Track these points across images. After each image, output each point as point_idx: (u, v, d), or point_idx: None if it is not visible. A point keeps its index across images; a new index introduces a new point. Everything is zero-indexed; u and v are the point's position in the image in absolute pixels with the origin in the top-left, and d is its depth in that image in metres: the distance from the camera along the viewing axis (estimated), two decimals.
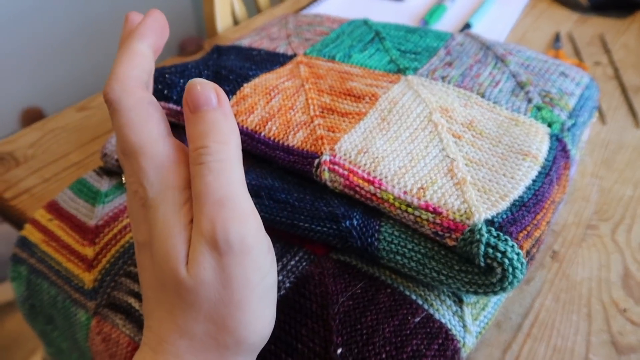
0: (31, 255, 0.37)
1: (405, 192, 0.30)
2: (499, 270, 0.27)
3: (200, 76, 0.42)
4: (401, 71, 0.42)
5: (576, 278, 0.37)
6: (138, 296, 0.33)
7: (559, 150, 0.35)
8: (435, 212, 0.29)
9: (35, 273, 0.37)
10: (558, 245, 0.40)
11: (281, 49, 0.49)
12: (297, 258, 0.33)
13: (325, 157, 0.33)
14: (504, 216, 0.29)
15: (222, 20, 0.81)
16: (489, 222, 0.28)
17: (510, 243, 0.27)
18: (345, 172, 0.32)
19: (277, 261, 0.33)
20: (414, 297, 0.30)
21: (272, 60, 0.46)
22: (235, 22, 0.85)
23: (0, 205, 0.45)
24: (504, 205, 0.29)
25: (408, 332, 0.28)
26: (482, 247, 0.27)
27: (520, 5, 0.79)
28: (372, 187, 0.31)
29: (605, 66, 0.63)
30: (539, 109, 0.38)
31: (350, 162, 0.33)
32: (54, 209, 0.39)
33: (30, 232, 0.38)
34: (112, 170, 0.42)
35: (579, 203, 0.43)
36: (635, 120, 0.53)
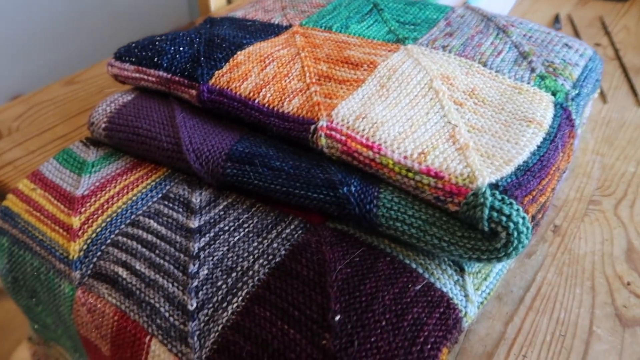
0: (13, 226, 0.36)
1: (405, 157, 0.29)
2: (503, 234, 0.26)
3: (192, 44, 0.41)
4: (400, 41, 0.41)
5: (579, 252, 0.36)
6: (125, 265, 0.31)
7: (564, 118, 0.34)
8: (437, 176, 0.28)
9: (17, 244, 0.35)
10: (559, 220, 0.39)
11: (276, 20, 0.47)
12: (292, 227, 0.32)
13: (322, 123, 0.32)
14: (509, 180, 0.27)
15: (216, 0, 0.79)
16: (493, 186, 0.27)
17: (515, 206, 0.26)
18: (343, 138, 0.31)
19: (272, 229, 0.32)
20: (414, 265, 0.29)
21: (266, 31, 0.45)
22: (229, 1, 0.84)
23: None
24: (508, 169, 0.28)
25: (408, 300, 0.27)
26: (487, 211, 0.26)
27: None
28: (370, 153, 0.30)
29: (605, 47, 0.62)
30: (542, 78, 0.36)
31: (348, 128, 0.31)
32: (38, 178, 0.38)
33: (12, 202, 0.37)
34: (99, 141, 0.41)
35: (580, 179, 0.42)
36: (636, 99, 0.52)
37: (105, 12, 1.23)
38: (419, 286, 0.28)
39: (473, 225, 0.27)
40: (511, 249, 0.26)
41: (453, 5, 0.48)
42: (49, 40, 1.17)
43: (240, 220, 0.33)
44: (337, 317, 0.26)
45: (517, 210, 0.26)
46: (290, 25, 0.45)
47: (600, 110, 0.51)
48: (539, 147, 0.30)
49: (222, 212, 0.34)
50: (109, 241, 0.33)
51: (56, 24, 1.16)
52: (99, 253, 0.32)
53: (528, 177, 0.28)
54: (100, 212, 0.34)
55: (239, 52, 0.39)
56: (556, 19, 0.68)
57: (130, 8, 1.25)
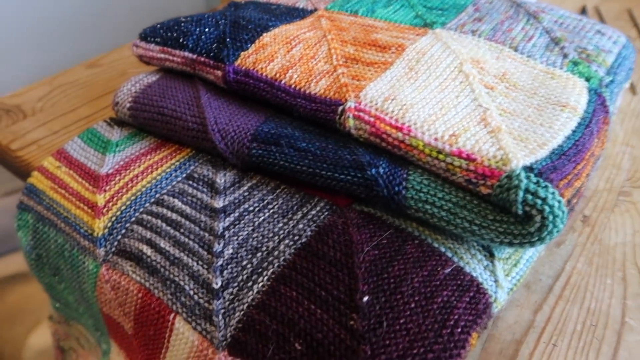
0: (38, 203, 0.36)
1: (436, 139, 0.29)
2: (538, 218, 0.25)
3: (218, 25, 0.41)
4: (428, 25, 0.40)
5: (609, 243, 0.35)
6: (149, 243, 0.31)
7: (598, 104, 0.33)
8: (469, 158, 0.27)
9: (42, 221, 0.35)
10: (589, 210, 0.38)
11: (301, 4, 0.47)
12: (318, 208, 0.31)
13: (350, 104, 0.32)
14: (544, 163, 0.27)
15: None
16: (528, 169, 0.26)
17: (551, 190, 0.25)
18: (372, 119, 0.31)
19: (297, 210, 0.31)
20: (442, 249, 0.29)
21: (291, 14, 0.44)
22: None
23: (7, 157, 0.43)
24: (542, 153, 0.27)
25: (438, 283, 0.27)
26: (521, 194, 0.25)
27: None
28: (400, 134, 0.29)
29: (634, 40, 0.61)
30: (575, 63, 0.35)
31: (376, 109, 0.31)
32: (63, 156, 0.38)
33: (37, 180, 0.37)
34: (122, 121, 0.41)
35: (610, 170, 0.41)
36: None
37: (124, 3, 1.24)
38: (448, 270, 0.27)
39: (506, 208, 0.26)
40: (545, 233, 0.25)
41: None
42: (72, 26, 1.18)
43: (265, 201, 0.33)
44: (365, 298, 0.25)
45: (553, 193, 0.25)
46: (315, 9, 0.45)
47: (630, 101, 0.50)
48: (573, 131, 0.30)
49: (246, 193, 0.33)
50: (133, 219, 0.33)
51: (80, 9, 1.17)
52: (123, 231, 0.32)
53: (563, 161, 0.27)
54: (124, 190, 0.34)
55: (264, 34, 0.39)
56: (583, 11, 0.67)
57: None
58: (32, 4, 1.09)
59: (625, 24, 0.65)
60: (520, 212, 0.25)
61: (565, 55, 0.36)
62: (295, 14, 0.44)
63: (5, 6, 1.05)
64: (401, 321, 0.25)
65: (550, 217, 0.25)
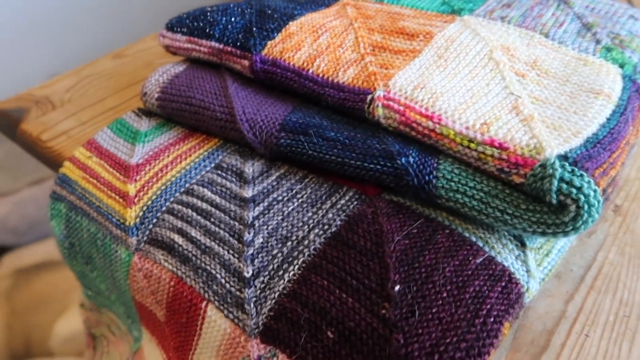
0: (71, 193, 0.36)
1: (467, 128, 0.28)
2: (572, 207, 0.25)
3: (244, 15, 0.41)
4: (455, 12, 0.40)
5: None
6: (181, 232, 0.31)
7: (633, 91, 0.32)
8: (501, 147, 0.27)
9: (74, 210, 0.36)
10: (620, 200, 0.37)
11: None
12: (347, 197, 0.31)
13: (379, 93, 0.31)
14: (579, 152, 0.26)
15: None
16: (562, 157, 0.26)
17: (586, 179, 0.25)
18: (401, 108, 0.30)
19: (326, 200, 0.31)
20: (473, 239, 0.28)
21: (316, 2, 0.44)
22: None
23: (38, 147, 0.44)
24: (577, 141, 0.27)
25: (469, 272, 0.26)
26: (556, 183, 0.25)
27: None
28: (430, 123, 0.29)
29: None
30: (608, 50, 0.35)
31: (406, 98, 0.31)
32: (94, 147, 0.38)
33: (69, 170, 0.37)
34: (150, 112, 0.41)
35: None
36: None
37: None
38: (480, 259, 0.27)
39: (539, 197, 0.26)
40: (580, 222, 0.25)
41: None
42: (90, 19, 1.20)
43: (294, 191, 0.33)
44: (397, 287, 0.26)
45: (589, 182, 0.25)
46: None
47: None
48: (608, 119, 0.29)
49: (275, 183, 0.33)
50: (164, 208, 0.33)
51: (89, 5, 1.18)
52: (154, 220, 0.33)
53: (598, 150, 0.27)
54: (155, 180, 0.35)
55: (290, 23, 0.39)
56: None
57: None
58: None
59: None
60: (554, 201, 0.25)
61: (597, 41, 0.36)
62: (320, 2, 0.44)
63: (25, 1, 1.06)
64: (433, 310, 0.25)
65: (586, 207, 0.25)
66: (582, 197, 0.24)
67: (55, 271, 1.20)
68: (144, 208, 0.33)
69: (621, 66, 0.33)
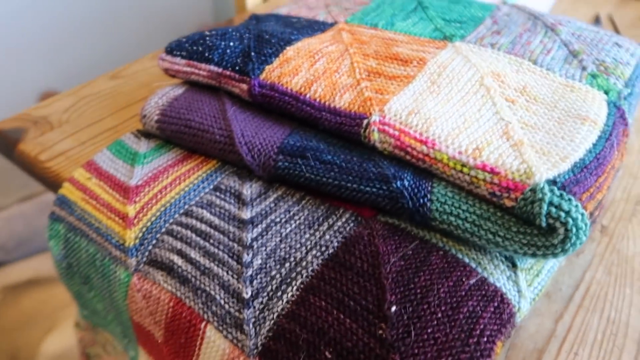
0: (70, 214, 0.37)
1: (460, 152, 0.29)
2: (561, 230, 0.26)
3: (242, 39, 0.42)
4: (447, 38, 0.41)
5: (627, 253, 0.36)
6: (180, 253, 0.32)
7: (618, 117, 0.33)
8: (493, 172, 0.28)
9: (73, 231, 0.37)
10: (607, 220, 0.38)
11: (321, 17, 0.48)
12: (343, 219, 0.32)
13: (375, 118, 0.32)
14: (566, 176, 0.27)
15: None
16: (551, 182, 0.27)
17: (574, 202, 0.26)
18: (396, 133, 0.31)
19: (323, 222, 0.32)
20: (467, 260, 0.29)
21: (312, 27, 0.45)
22: None
23: (36, 168, 0.44)
24: (565, 166, 0.28)
25: (463, 293, 0.27)
26: (545, 207, 0.26)
27: None
28: (424, 147, 0.30)
29: None
30: (594, 76, 0.36)
31: (401, 123, 0.32)
32: (93, 168, 0.39)
33: (69, 191, 0.38)
34: (149, 133, 0.42)
35: (627, 180, 0.42)
36: None
37: (135, 9, 1.25)
38: (473, 280, 0.28)
39: (529, 220, 0.27)
40: (569, 244, 0.26)
41: (495, 2, 0.48)
42: (80, 36, 1.20)
43: (291, 213, 0.33)
44: (393, 308, 0.26)
45: (576, 206, 0.26)
46: (336, 22, 0.46)
47: None
48: (594, 144, 0.30)
49: (272, 204, 0.34)
50: (163, 230, 0.34)
51: (88, 20, 1.19)
52: (154, 241, 0.33)
53: (585, 174, 0.28)
54: (154, 201, 0.35)
55: (288, 48, 0.40)
56: (597, 20, 0.67)
57: (158, 7, 1.27)
58: (45, 15, 1.11)
59: (639, 32, 0.65)
60: (544, 224, 0.26)
61: (584, 68, 0.37)
62: (316, 27, 0.45)
63: (18, 18, 1.07)
64: (429, 330, 0.26)
65: (574, 230, 0.26)
66: (570, 220, 0.26)
67: (44, 288, 1.18)
68: (144, 229, 0.34)
69: (606, 92, 0.35)
